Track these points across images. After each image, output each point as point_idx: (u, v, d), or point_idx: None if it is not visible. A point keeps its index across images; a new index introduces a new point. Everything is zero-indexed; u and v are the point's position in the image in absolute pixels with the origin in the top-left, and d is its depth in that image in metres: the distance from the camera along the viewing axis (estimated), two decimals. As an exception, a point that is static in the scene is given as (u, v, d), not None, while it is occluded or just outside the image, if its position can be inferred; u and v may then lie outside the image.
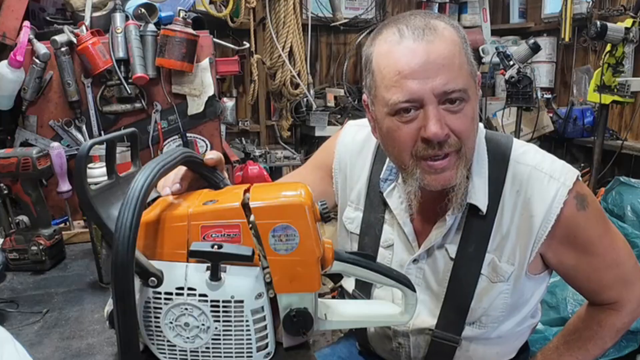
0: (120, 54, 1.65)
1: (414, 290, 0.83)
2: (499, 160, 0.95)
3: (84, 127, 1.69)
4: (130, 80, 1.66)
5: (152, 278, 0.70)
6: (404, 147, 0.87)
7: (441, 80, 0.80)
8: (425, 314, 1.01)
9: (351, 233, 1.11)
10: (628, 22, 2.46)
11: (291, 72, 3.03)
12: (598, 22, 2.42)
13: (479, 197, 0.93)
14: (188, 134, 1.79)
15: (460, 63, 0.83)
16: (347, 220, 1.13)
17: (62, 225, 1.48)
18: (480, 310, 0.98)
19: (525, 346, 1.17)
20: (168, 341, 0.73)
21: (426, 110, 0.82)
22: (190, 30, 1.66)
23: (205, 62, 1.74)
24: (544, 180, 0.92)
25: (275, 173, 3.19)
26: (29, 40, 1.57)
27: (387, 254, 1.04)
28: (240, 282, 0.71)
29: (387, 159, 1.00)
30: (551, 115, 3.38)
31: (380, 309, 0.94)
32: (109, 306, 0.76)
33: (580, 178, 0.95)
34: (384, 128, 0.89)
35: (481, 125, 0.96)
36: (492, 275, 0.96)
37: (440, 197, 0.93)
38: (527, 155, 0.96)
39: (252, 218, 0.72)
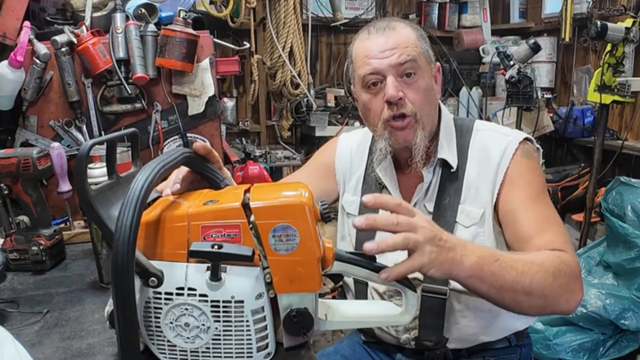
0: (121, 54, 1.65)
1: (414, 290, 0.84)
2: (464, 132, 1.17)
3: (84, 128, 1.69)
4: (130, 81, 1.66)
5: (153, 278, 0.70)
6: (376, 113, 1.10)
7: (394, 56, 1.06)
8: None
9: (349, 214, 1.25)
10: (628, 22, 2.46)
11: (291, 72, 3.03)
12: (598, 22, 2.42)
13: (448, 156, 1.13)
14: (188, 134, 1.79)
15: (412, 46, 1.08)
16: (346, 203, 1.27)
17: (62, 225, 1.48)
18: None
19: (526, 339, 1.21)
20: (168, 341, 0.73)
21: (387, 81, 1.07)
22: (190, 31, 1.66)
23: (206, 62, 1.74)
24: (499, 137, 1.14)
25: (275, 173, 3.19)
26: (30, 41, 1.57)
27: None
28: (241, 283, 0.71)
29: (378, 147, 1.16)
30: (551, 115, 3.38)
31: (381, 309, 0.94)
32: (109, 306, 0.76)
33: (530, 142, 1.14)
34: (362, 102, 1.14)
35: (451, 115, 1.22)
36: (465, 220, 1.10)
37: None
38: (485, 125, 1.19)
39: (252, 218, 0.72)
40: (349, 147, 1.30)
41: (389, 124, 1.09)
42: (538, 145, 1.16)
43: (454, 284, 1.08)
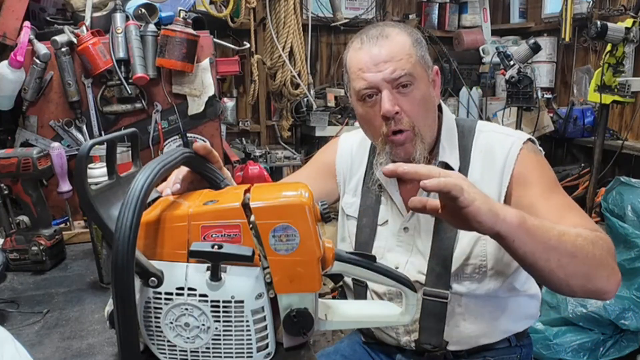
0: (121, 54, 1.65)
1: (414, 290, 0.84)
2: (466, 133, 1.16)
3: (84, 128, 1.69)
4: (130, 81, 1.66)
5: (153, 278, 0.70)
6: (375, 129, 1.10)
7: (389, 70, 1.04)
8: (415, 273, 1.11)
9: (349, 216, 1.25)
10: (628, 22, 2.46)
11: (291, 72, 3.03)
12: (598, 22, 2.42)
13: (450, 158, 1.12)
14: (188, 134, 1.79)
15: (407, 56, 1.05)
16: (346, 205, 1.26)
17: (62, 225, 1.48)
18: (462, 258, 1.07)
19: (526, 339, 1.21)
20: (168, 341, 0.73)
21: (382, 95, 1.05)
22: (190, 31, 1.66)
23: (206, 62, 1.74)
24: (502, 137, 1.13)
25: (275, 173, 3.19)
26: (30, 41, 1.57)
27: (383, 230, 1.19)
28: (241, 283, 0.71)
29: (379, 161, 1.14)
30: (551, 115, 3.38)
31: (381, 309, 0.94)
32: (109, 306, 0.76)
33: (533, 143, 1.13)
34: (359, 114, 1.13)
35: (453, 115, 1.21)
36: None
37: None
38: (488, 126, 1.18)
39: (252, 218, 0.72)
40: (349, 148, 1.30)
41: (389, 139, 1.08)
42: (540, 148, 1.15)
43: (455, 288, 1.08)
